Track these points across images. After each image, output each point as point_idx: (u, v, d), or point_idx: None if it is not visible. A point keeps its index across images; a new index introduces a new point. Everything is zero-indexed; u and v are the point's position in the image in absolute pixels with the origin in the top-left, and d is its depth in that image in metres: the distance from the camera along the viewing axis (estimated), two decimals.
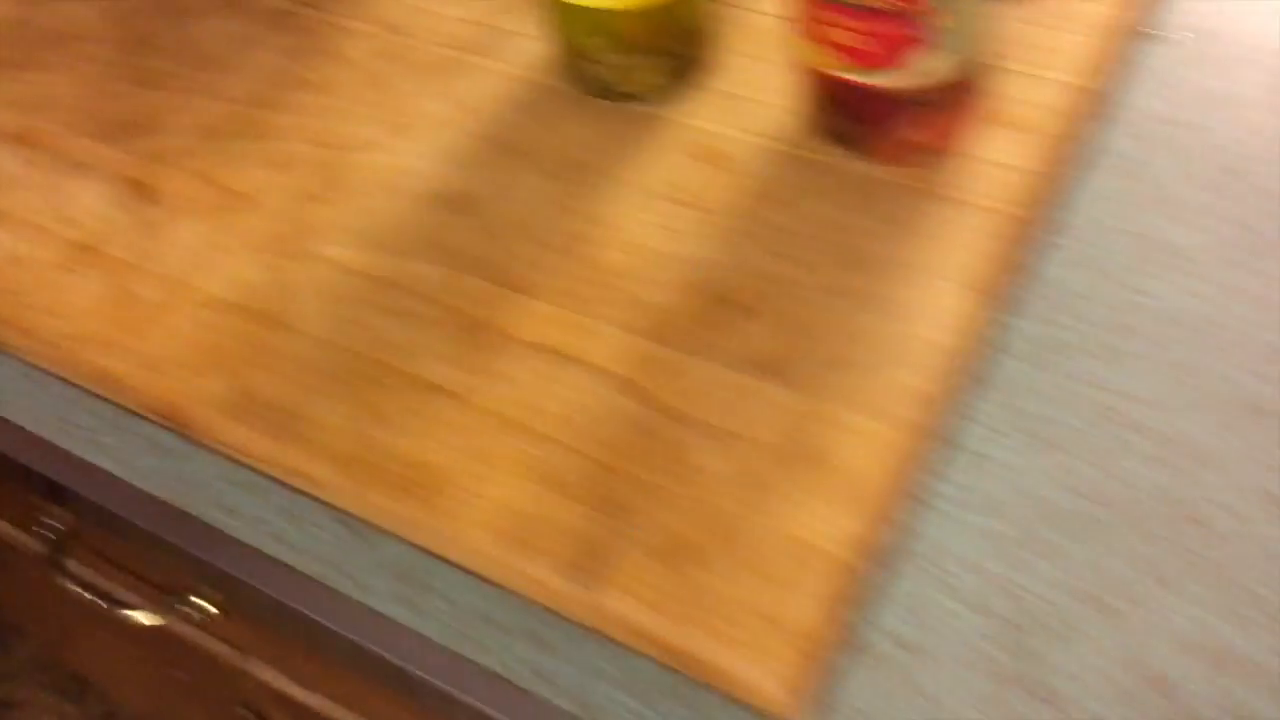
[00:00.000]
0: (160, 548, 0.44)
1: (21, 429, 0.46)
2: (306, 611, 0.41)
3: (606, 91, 0.48)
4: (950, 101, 0.42)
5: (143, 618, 0.52)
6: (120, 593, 0.60)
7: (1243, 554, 0.37)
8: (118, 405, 0.45)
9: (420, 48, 0.53)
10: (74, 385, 0.46)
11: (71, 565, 0.60)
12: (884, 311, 0.41)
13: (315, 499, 0.42)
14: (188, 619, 0.53)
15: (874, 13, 0.39)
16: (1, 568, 0.75)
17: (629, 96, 0.48)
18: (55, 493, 0.46)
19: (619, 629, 0.37)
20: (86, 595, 0.53)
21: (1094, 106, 0.47)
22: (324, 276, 0.46)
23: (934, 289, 0.41)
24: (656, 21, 0.45)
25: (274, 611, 0.42)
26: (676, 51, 0.47)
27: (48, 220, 0.49)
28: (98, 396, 0.46)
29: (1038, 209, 0.44)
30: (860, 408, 0.39)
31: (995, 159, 0.44)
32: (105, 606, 0.52)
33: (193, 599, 0.52)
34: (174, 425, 0.44)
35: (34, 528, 0.54)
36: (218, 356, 0.44)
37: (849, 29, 0.40)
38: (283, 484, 0.42)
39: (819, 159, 0.45)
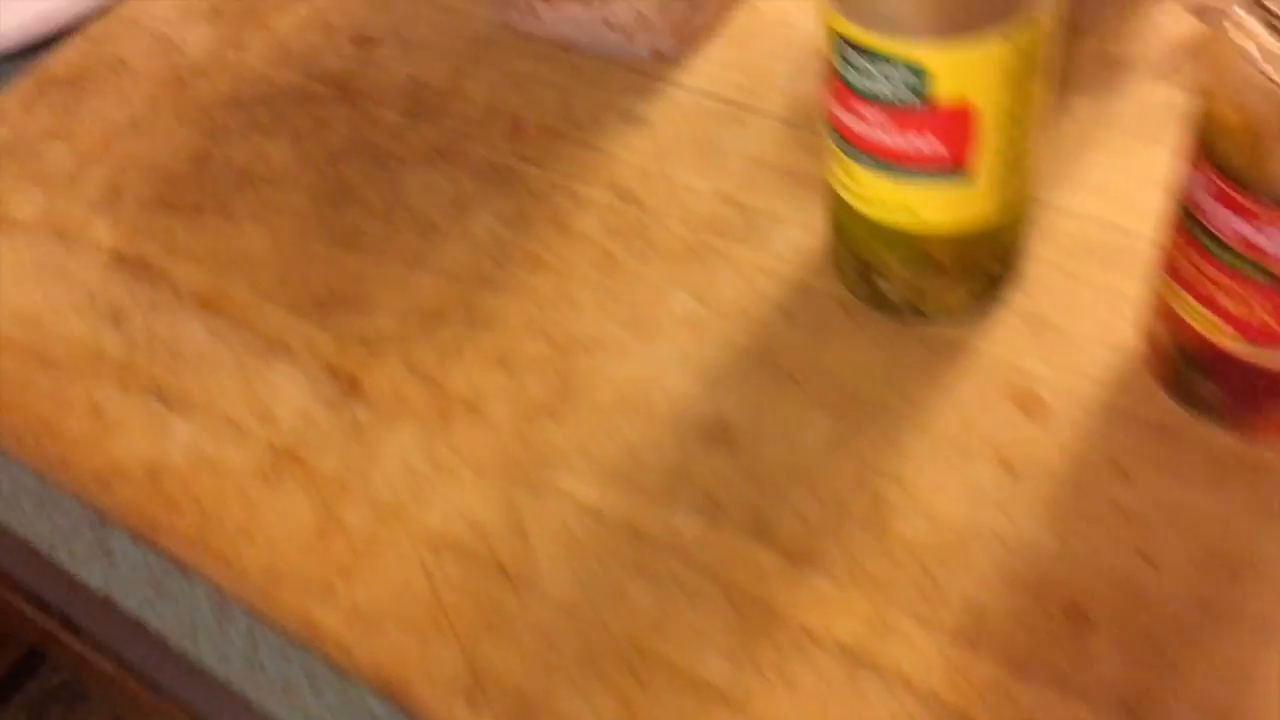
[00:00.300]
0: None
1: (206, 672, 0.40)
2: None
3: (893, 308, 0.41)
4: None
5: None
6: None
7: None
8: (321, 657, 0.39)
9: (662, 226, 0.46)
10: (272, 626, 0.40)
11: None
12: (1273, 643, 0.34)
13: None
14: None
15: None
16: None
17: (920, 315, 0.41)
18: None
19: None
20: None
21: None
22: (564, 518, 0.39)
23: None
24: (973, 242, 0.38)
25: None
26: (986, 270, 0.40)
27: (242, 413, 0.44)
28: (299, 643, 0.40)
29: None
30: None
31: None
32: None
33: None
34: (388, 697, 0.38)
35: None
36: (442, 614, 0.38)
37: (1246, 299, 0.33)
38: None
39: (1168, 423, 0.38)
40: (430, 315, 0.45)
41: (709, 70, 0.51)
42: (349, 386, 0.44)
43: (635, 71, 0.52)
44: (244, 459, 0.42)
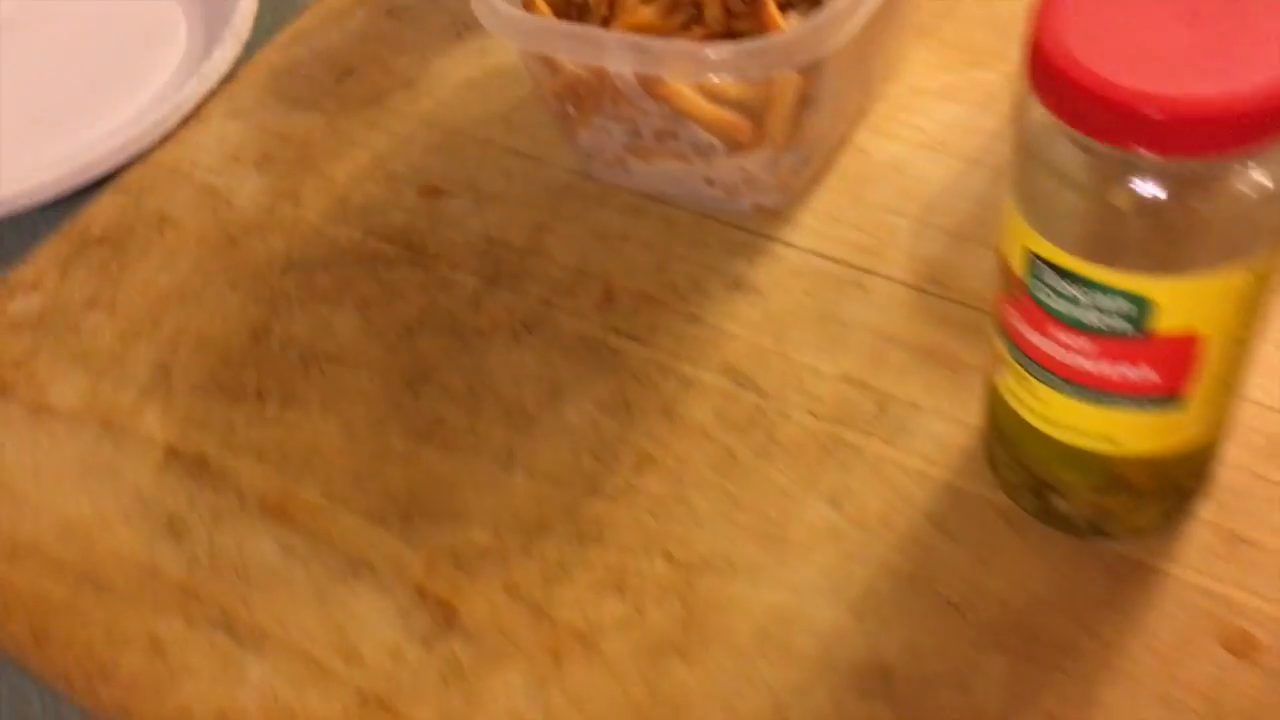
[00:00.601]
0: None
1: None
2: None
3: (1069, 525, 0.36)
4: None
5: None
6: None
7: None
8: None
9: (786, 416, 0.41)
10: None
11: None
12: None
13: None
14: None
15: None
16: None
17: (1100, 534, 0.36)
18: None
19: None
20: None
21: None
22: None
23: None
24: (1173, 463, 0.34)
25: None
26: (1180, 486, 0.35)
27: (323, 650, 0.38)
28: None
29: None
30: None
31: None
32: None
33: None
34: None
35: None
36: None
37: None
38: None
39: None
40: (530, 526, 0.40)
41: (819, 226, 0.47)
42: (443, 616, 0.39)
43: (735, 227, 0.47)
44: (328, 708, 0.37)
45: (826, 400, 0.42)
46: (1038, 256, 0.29)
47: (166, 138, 0.56)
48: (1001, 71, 0.51)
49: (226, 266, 0.50)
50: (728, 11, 0.44)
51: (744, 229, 0.47)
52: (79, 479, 0.44)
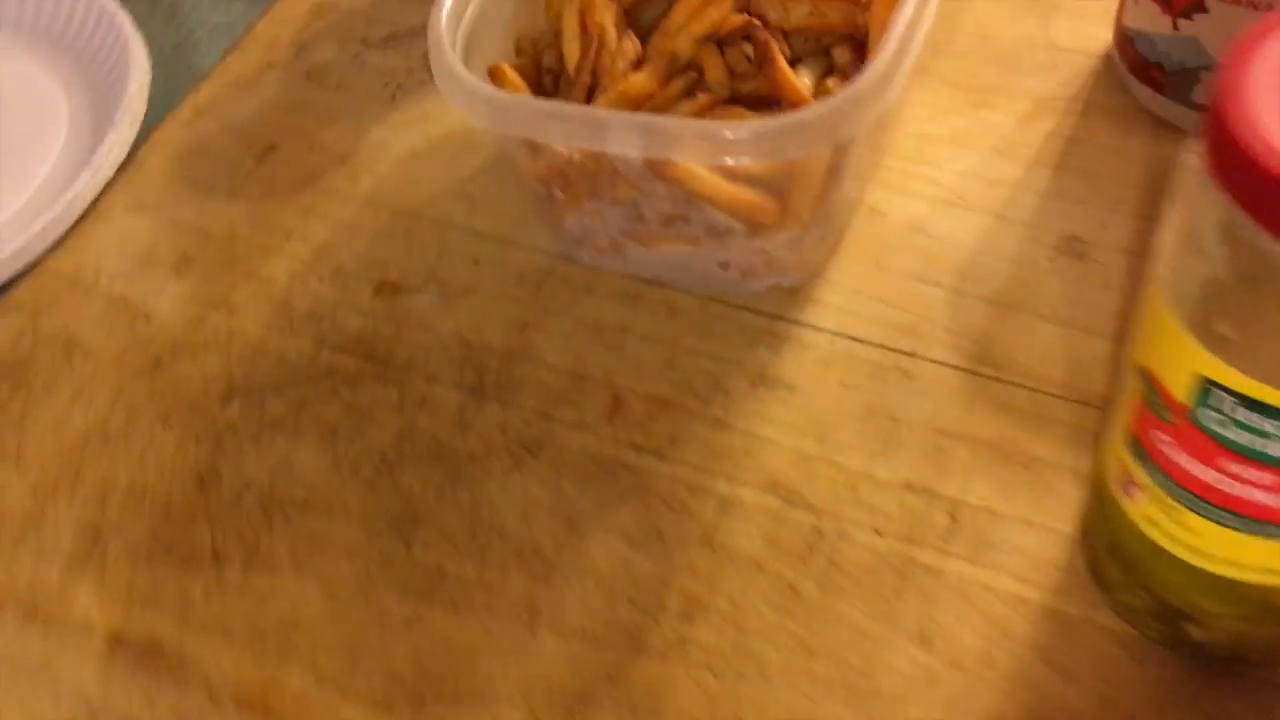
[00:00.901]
0: None
1: None
2: None
3: (1201, 651, 0.32)
4: None
5: None
6: None
7: None
8: None
9: (847, 537, 0.36)
10: None
11: None
12: None
13: None
14: None
15: None
16: None
17: (1236, 660, 0.32)
18: None
19: None
20: None
21: None
22: None
23: None
24: None
25: None
26: None
27: None
28: None
29: None
30: None
31: None
32: None
33: None
34: None
35: None
36: None
37: None
38: None
39: None
40: (570, 698, 0.34)
41: (844, 304, 0.41)
42: None
43: (750, 311, 0.42)
44: None
45: (890, 514, 0.36)
46: (1215, 384, 0.25)
47: (60, 241, 0.48)
48: (1013, 112, 0.46)
49: (154, 396, 0.42)
50: (731, 73, 0.39)
51: (760, 312, 0.42)
52: (6, 685, 0.36)
